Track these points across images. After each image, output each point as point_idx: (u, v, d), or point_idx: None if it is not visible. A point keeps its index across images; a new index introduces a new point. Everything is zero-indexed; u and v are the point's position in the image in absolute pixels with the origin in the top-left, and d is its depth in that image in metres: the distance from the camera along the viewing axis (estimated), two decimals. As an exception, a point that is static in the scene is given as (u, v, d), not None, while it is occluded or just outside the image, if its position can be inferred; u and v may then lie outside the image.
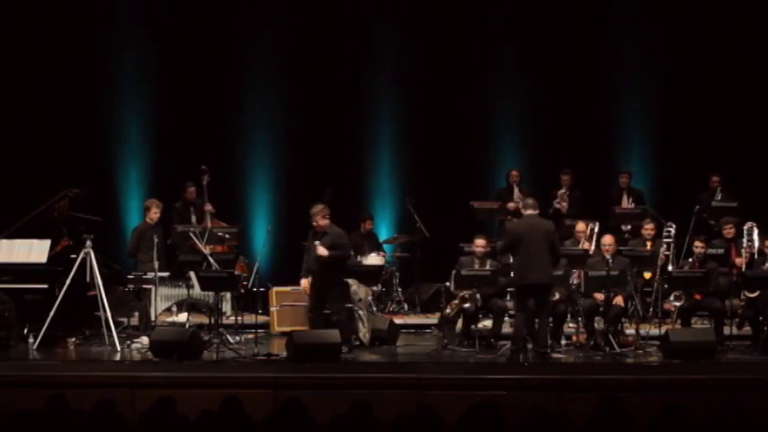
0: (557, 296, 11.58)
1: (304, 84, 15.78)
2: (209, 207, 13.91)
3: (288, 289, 13.11)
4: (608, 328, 11.58)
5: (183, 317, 12.42)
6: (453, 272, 11.91)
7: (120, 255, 13.30)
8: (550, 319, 11.43)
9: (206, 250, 12.22)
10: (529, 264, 11.04)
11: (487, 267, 11.87)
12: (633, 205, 14.31)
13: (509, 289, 12.02)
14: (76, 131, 15.32)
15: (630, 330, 11.97)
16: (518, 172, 14.76)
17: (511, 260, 11.50)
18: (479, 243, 12.09)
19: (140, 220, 12.93)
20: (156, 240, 11.93)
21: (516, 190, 14.60)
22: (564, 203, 14.49)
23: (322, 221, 11.61)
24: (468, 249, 12.29)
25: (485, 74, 15.93)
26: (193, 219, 13.88)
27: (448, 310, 11.92)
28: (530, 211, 11.43)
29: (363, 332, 12.15)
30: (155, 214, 12.38)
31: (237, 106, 16.03)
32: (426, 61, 15.79)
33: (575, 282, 11.81)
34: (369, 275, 12.80)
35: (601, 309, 11.61)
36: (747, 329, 12.05)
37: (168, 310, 12.48)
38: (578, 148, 15.34)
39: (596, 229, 12.82)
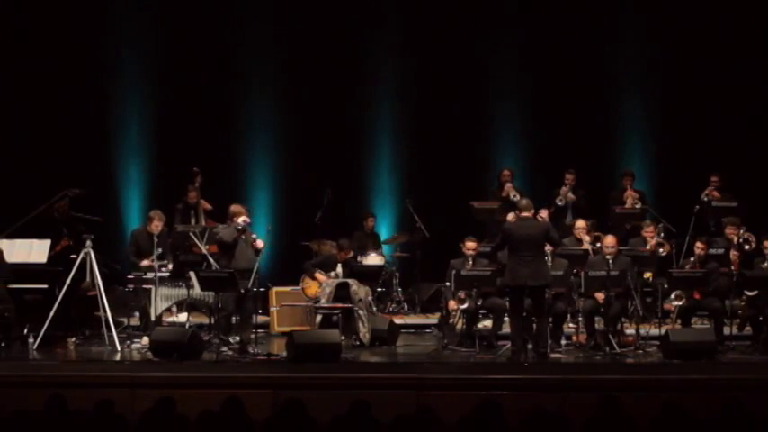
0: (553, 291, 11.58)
1: (304, 84, 15.77)
2: (206, 205, 13.93)
3: (288, 289, 13.14)
4: (608, 328, 11.57)
5: (183, 317, 12.42)
6: (449, 273, 11.88)
7: (120, 255, 13.29)
8: (550, 320, 11.43)
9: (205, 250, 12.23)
10: (521, 266, 10.99)
11: (480, 267, 11.84)
12: (639, 204, 14.26)
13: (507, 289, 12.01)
14: (76, 131, 15.31)
15: (630, 330, 11.97)
16: (510, 171, 14.69)
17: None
18: (470, 245, 12.07)
19: (140, 220, 12.95)
20: (156, 241, 11.94)
21: (507, 186, 14.50)
22: (570, 195, 14.40)
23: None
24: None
25: (485, 74, 15.91)
26: (193, 221, 13.88)
27: (452, 321, 11.92)
28: (525, 213, 11.41)
29: (363, 332, 12.14)
30: (156, 227, 12.28)
31: (238, 106, 16.01)
32: (426, 61, 15.78)
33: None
34: (369, 275, 12.81)
35: (601, 309, 11.60)
36: (748, 330, 12.04)
37: (168, 309, 12.48)
38: (578, 148, 15.32)
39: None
